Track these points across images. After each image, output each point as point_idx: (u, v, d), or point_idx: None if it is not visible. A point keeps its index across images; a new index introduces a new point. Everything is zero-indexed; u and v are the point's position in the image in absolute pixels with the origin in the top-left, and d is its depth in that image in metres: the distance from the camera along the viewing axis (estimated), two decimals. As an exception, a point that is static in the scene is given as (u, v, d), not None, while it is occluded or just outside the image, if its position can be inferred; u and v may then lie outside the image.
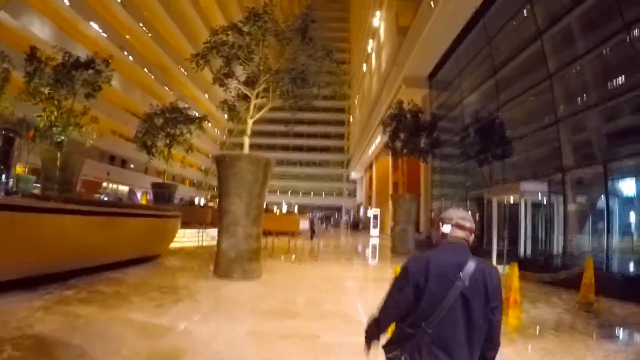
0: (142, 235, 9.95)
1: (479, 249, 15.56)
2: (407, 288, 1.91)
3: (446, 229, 2.08)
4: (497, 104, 16.36)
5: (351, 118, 75.69)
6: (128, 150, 26.13)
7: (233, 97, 11.84)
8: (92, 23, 35.87)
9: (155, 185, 23.76)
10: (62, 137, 14.95)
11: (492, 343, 1.95)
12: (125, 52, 41.76)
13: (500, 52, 16.66)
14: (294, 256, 13.86)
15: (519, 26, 15.50)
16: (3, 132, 6.80)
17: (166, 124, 22.20)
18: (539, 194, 13.04)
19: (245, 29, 10.33)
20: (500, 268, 13.56)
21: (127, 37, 42.44)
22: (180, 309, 6.07)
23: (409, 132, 18.87)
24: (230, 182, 9.16)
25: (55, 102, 14.68)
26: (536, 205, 13.63)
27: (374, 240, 30.23)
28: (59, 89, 14.43)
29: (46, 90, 14.22)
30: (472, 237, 2.13)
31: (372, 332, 2.09)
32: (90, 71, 15.86)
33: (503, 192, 13.86)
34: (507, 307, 6.34)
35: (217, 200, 9.73)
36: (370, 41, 42.50)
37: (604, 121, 11.58)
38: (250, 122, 10.59)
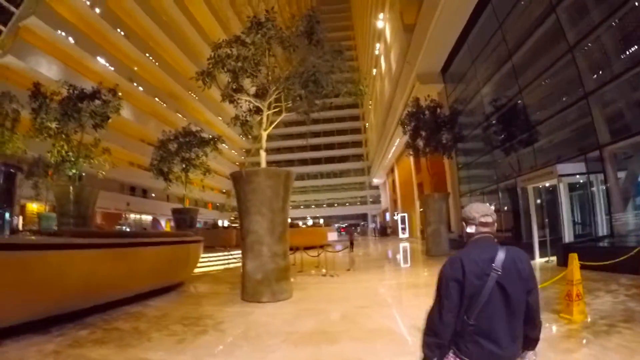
0: (161, 264, 9.51)
1: (519, 242, 14.65)
2: (452, 292, 1.97)
3: (471, 229, 2.18)
4: (517, 89, 15.51)
5: (367, 124, 75.00)
6: (147, 180, 26.15)
7: (245, 112, 11.36)
8: (98, 58, 36.38)
9: (175, 211, 23.52)
10: (74, 171, 14.75)
11: (533, 324, 2.07)
12: (135, 84, 42.25)
13: (513, 33, 15.86)
14: (324, 269, 13.17)
15: (530, 3, 14.69)
16: (3, 169, 6.41)
17: (180, 149, 22.00)
18: (577, 175, 12.15)
19: (249, 39, 9.90)
20: (544, 260, 12.69)
21: (135, 68, 42.98)
22: (203, 343, 5.54)
23: (430, 129, 18.16)
24: (250, 200, 8.65)
25: (64, 135, 14.51)
26: (574, 187, 12.75)
27: (405, 244, 29.38)
28: (67, 122, 14.26)
29: (53, 125, 14.05)
30: (495, 226, 2.21)
31: (435, 354, 2.02)
32: (98, 102, 15.72)
33: (538, 178, 13.00)
34: (570, 302, 5.75)
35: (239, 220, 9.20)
36: (377, 44, 41.95)
37: (634, 89, 10.71)
38: (264, 135, 10.10)
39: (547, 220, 13.50)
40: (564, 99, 13.25)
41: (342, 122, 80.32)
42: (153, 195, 45.58)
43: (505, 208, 17.02)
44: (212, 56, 10.03)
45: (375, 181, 68.94)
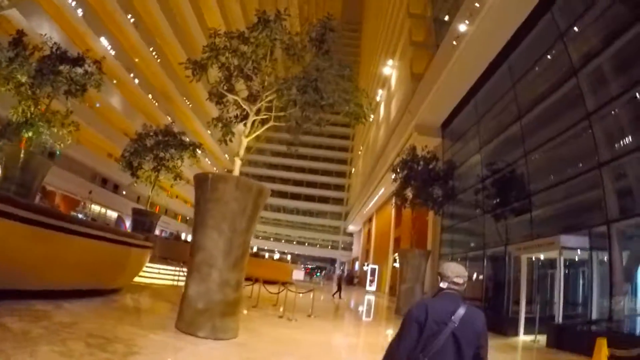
0: (92, 261, 7.82)
1: (502, 316, 13.29)
2: (413, 329, 2.30)
3: (443, 285, 2.47)
4: (522, 152, 14.58)
5: (353, 170, 74.32)
6: (122, 176, 24.19)
7: (230, 117, 9.96)
8: (102, 39, 34.86)
9: (136, 212, 21.62)
10: (30, 134, 12.98)
11: None
12: (132, 75, 40.77)
13: (526, 95, 15.13)
14: (282, 310, 11.49)
15: (549, 65, 14.03)
16: None
17: (157, 146, 20.38)
18: (578, 250, 11.01)
19: (252, 36, 8.71)
20: (529, 338, 11.33)
21: (136, 59, 41.60)
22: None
23: (422, 180, 17.00)
24: (210, 210, 7.14)
25: (32, 94, 12.85)
26: (572, 263, 11.56)
27: (372, 297, 27.69)
28: (40, 82, 12.65)
29: (24, 79, 12.40)
30: (464, 287, 2.46)
31: None
32: (79, 70, 14.20)
33: (536, 248, 11.79)
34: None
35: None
36: (380, 90, 41.67)
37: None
38: (244, 141, 8.72)
39: (537, 295, 12.30)
40: (572, 168, 12.30)
41: (329, 163, 79.59)
42: (124, 192, 43.06)
43: (488, 277, 15.68)
44: (208, 44, 8.83)
45: (351, 228, 67.60)
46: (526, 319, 12.08)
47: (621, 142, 10.76)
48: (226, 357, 5.84)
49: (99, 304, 7.78)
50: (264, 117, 9.06)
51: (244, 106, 9.21)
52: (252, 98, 9.40)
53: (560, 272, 10.90)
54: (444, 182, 17.24)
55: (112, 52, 36.34)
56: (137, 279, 11.92)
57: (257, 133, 8.96)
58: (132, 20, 38.22)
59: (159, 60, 43.97)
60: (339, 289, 23.09)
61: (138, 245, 10.28)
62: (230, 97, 9.26)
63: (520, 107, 15.27)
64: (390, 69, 36.82)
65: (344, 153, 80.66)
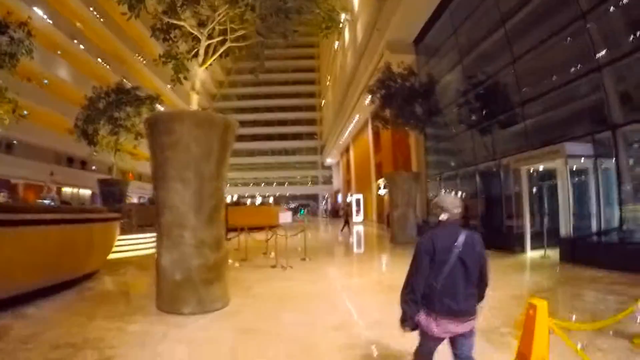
0: (48, 251, 6.50)
1: (505, 233, 12.70)
2: (425, 260, 2.61)
3: (444, 216, 2.75)
4: (510, 58, 13.34)
5: (323, 102, 72.13)
6: (86, 149, 21.99)
7: (181, 52, 8.29)
8: (35, 8, 30.94)
9: (102, 183, 20.05)
10: None
11: (483, 282, 2.73)
12: (76, 41, 37.02)
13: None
14: (273, 255, 10.53)
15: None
16: None
17: (110, 107, 18.45)
18: (582, 158, 10.19)
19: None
20: (538, 254, 10.80)
21: (78, 24, 37.62)
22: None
23: (403, 99, 15.73)
24: (168, 159, 5.82)
25: None
26: (577, 173, 10.81)
27: (361, 228, 27.28)
28: None
29: None
30: (461, 215, 2.78)
31: (410, 308, 2.64)
32: (5, 38, 12.30)
33: (537, 158, 10.90)
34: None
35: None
36: (343, 15, 38.85)
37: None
38: (199, 71, 7.24)
39: (543, 208, 11.65)
40: (568, 72, 11.19)
41: (297, 99, 76.99)
42: (93, 167, 40.46)
43: (483, 194, 14.98)
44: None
45: (329, 161, 66.75)
46: (533, 234, 11.49)
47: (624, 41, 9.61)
48: (220, 333, 4.81)
49: (70, 299, 6.59)
50: (219, 39, 7.49)
51: (194, 32, 7.58)
52: (201, 23, 7.79)
53: (567, 183, 10.13)
54: (425, 98, 16.03)
55: (50, 21, 32.67)
56: (114, 256, 10.71)
57: (213, 59, 7.44)
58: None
59: (102, 20, 39.85)
60: (347, 223, 22.78)
61: (102, 220, 8.95)
62: (178, 23, 7.60)
63: (504, 11, 13.81)
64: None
65: (311, 86, 77.93)
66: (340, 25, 8.32)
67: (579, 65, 10.68)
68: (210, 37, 7.41)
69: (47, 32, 32.41)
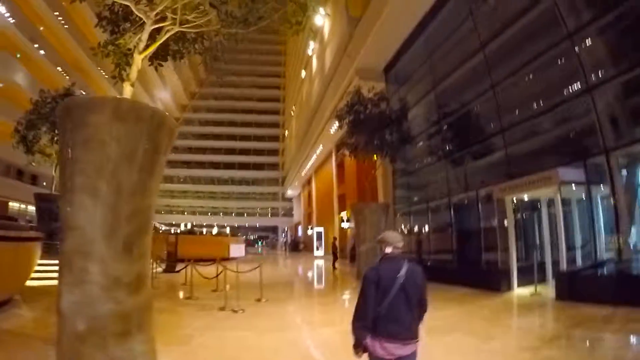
0: None
1: (486, 270, 11.58)
2: (372, 290, 2.78)
3: (388, 249, 2.98)
4: (488, 84, 12.63)
5: (286, 132, 71.19)
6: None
7: (122, 39, 6.78)
8: None
9: (39, 198, 17.53)
10: None
11: (422, 309, 2.94)
12: (37, 46, 34.57)
13: (490, 21, 13.04)
14: (222, 295, 8.78)
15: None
16: None
17: (52, 113, 16.31)
18: (573, 185, 9.32)
19: None
20: (528, 290, 9.65)
21: (41, 28, 35.25)
22: None
23: (374, 125, 14.66)
24: (77, 161, 4.21)
25: None
26: (568, 200, 9.95)
27: (322, 263, 25.64)
28: None
29: None
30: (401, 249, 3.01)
31: (361, 332, 2.81)
32: None
33: (526, 186, 9.92)
34: None
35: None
36: (312, 43, 38.52)
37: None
38: (138, 59, 5.72)
39: (536, 240, 10.69)
40: (554, 96, 10.47)
41: (261, 128, 75.77)
42: (44, 183, 36.94)
43: (458, 228, 13.90)
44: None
45: (290, 193, 65.28)
46: (521, 269, 10.44)
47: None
48: None
49: None
50: (168, 24, 6.05)
51: (138, 13, 6.11)
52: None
53: (559, 211, 9.18)
54: (397, 124, 15.03)
55: (12, 21, 30.42)
56: (37, 283, 8.76)
57: (156, 45, 5.95)
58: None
59: (66, 26, 37.68)
60: (335, 258, 20.95)
61: (14, 239, 7.13)
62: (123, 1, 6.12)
63: (483, 35, 13.21)
64: (322, 19, 33.78)
65: (276, 116, 76.90)
66: (315, 19, 7.01)
67: (568, 88, 9.94)
68: (158, 21, 5.99)
69: (7, 33, 30.36)
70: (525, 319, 7.66)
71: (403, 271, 2.81)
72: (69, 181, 4.22)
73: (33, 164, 17.70)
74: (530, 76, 11.36)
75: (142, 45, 5.82)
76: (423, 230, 16.78)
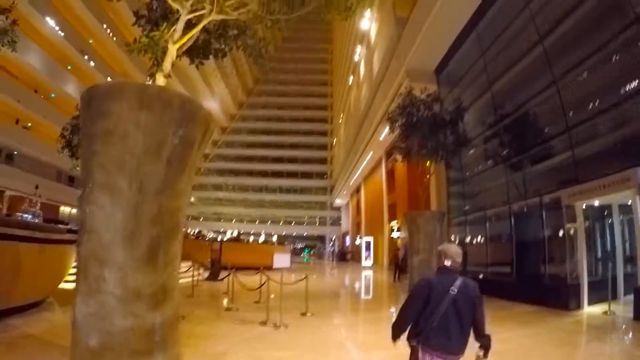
0: None
1: (553, 285, 10.32)
2: (416, 304, 2.89)
3: (447, 262, 2.99)
4: (549, 79, 11.43)
5: (335, 140, 70.70)
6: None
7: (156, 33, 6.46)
8: (47, 18, 30.39)
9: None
10: None
11: (479, 331, 2.88)
12: (86, 57, 36.32)
13: (549, 9, 11.87)
14: (263, 302, 8.15)
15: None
16: None
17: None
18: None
19: None
20: (599, 309, 8.39)
21: (90, 41, 36.98)
22: None
23: (429, 127, 13.71)
24: (95, 155, 3.75)
25: None
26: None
27: (371, 274, 24.67)
28: None
29: None
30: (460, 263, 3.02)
31: (397, 332, 2.98)
32: None
33: (599, 190, 8.69)
34: None
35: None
36: (359, 47, 37.90)
37: None
38: (173, 50, 5.29)
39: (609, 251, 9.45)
40: (628, 84, 9.15)
41: (309, 136, 75.61)
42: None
43: (519, 238, 12.62)
44: None
45: (338, 202, 64.50)
46: (594, 285, 9.19)
47: None
48: None
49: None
50: (203, 12, 5.59)
51: (173, 4, 5.69)
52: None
53: (638, 218, 7.93)
54: (452, 126, 14.00)
55: (62, 34, 32.04)
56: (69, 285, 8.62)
57: (192, 33, 5.49)
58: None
59: (114, 39, 39.28)
60: (398, 270, 19.24)
61: (51, 241, 6.92)
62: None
63: (542, 26, 12.04)
64: (368, 22, 33.12)
65: (323, 124, 76.56)
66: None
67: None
68: (194, 11, 5.56)
69: (59, 44, 32.12)
70: (609, 346, 6.50)
71: (456, 285, 2.84)
72: (87, 178, 3.74)
73: (77, 168, 18.03)
74: (598, 67, 10.06)
75: (176, 36, 5.41)
76: (479, 241, 15.54)
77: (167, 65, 5.27)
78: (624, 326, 7.49)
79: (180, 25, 5.40)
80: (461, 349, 2.83)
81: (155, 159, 3.80)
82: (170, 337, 3.89)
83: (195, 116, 4.13)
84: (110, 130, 3.71)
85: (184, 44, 5.67)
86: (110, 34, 38.83)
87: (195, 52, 6.36)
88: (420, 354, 2.85)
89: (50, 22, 31.02)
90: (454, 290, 2.79)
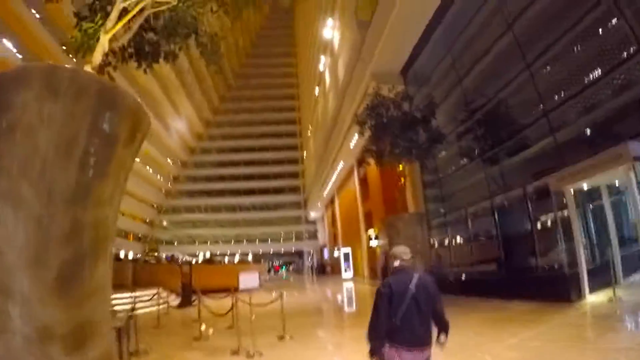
0: None
1: (551, 275, 9.76)
2: (385, 303, 2.95)
3: (396, 263, 3.18)
4: (523, 64, 11.08)
5: (305, 154, 70.02)
6: None
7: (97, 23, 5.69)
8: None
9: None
10: None
11: (440, 322, 3.04)
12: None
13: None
14: (237, 335, 7.18)
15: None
16: None
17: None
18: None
19: None
20: (602, 296, 7.85)
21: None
22: None
23: (400, 126, 13.14)
24: (0, 157, 2.81)
25: None
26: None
27: (352, 286, 23.83)
28: None
29: None
30: (412, 260, 3.21)
31: (377, 342, 2.96)
32: None
33: (589, 171, 8.18)
34: None
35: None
36: (322, 57, 37.55)
37: None
38: (105, 39, 4.50)
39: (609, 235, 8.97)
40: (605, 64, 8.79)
41: (278, 152, 74.70)
42: None
43: (505, 231, 12.11)
44: None
45: (313, 215, 63.67)
46: (593, 272, 8.73)
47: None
48: None
49: None
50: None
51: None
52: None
53: (636, 197, 7.46)
54: (425, 123, 13.49)
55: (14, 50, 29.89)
56: None
57: (125, 20, 4.73)
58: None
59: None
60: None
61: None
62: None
63: (509, 13, 11.75)
64: (330, 30, 32.84)
65: (293, 138, 75.66)
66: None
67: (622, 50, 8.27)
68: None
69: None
70: (629, 336, 5.84)
71: (414, 282, 2.97)
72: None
73: None
74: (574, 45, 9.70)
75: (110, 24, 4.63)
76: (461, 241, 14.98)
77: (97, 55, 4.45)
78: (635, 311, 6.90)
79: (114, 14, 4.68)
80: (427, 341, 2.97)
81: (64, 161, 2.90)
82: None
83: (118, 106, 3.26)
84: (13, 124, 2.82)
85: (120, 36, 5.02)
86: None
87: (143, 55, 5.93)
88: (387, 351, 2.93)
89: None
90: (411, 288, 2.94)
